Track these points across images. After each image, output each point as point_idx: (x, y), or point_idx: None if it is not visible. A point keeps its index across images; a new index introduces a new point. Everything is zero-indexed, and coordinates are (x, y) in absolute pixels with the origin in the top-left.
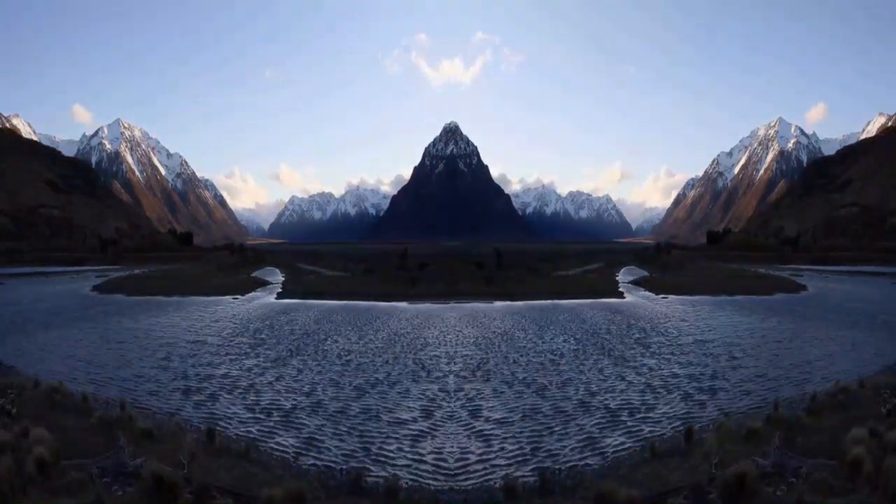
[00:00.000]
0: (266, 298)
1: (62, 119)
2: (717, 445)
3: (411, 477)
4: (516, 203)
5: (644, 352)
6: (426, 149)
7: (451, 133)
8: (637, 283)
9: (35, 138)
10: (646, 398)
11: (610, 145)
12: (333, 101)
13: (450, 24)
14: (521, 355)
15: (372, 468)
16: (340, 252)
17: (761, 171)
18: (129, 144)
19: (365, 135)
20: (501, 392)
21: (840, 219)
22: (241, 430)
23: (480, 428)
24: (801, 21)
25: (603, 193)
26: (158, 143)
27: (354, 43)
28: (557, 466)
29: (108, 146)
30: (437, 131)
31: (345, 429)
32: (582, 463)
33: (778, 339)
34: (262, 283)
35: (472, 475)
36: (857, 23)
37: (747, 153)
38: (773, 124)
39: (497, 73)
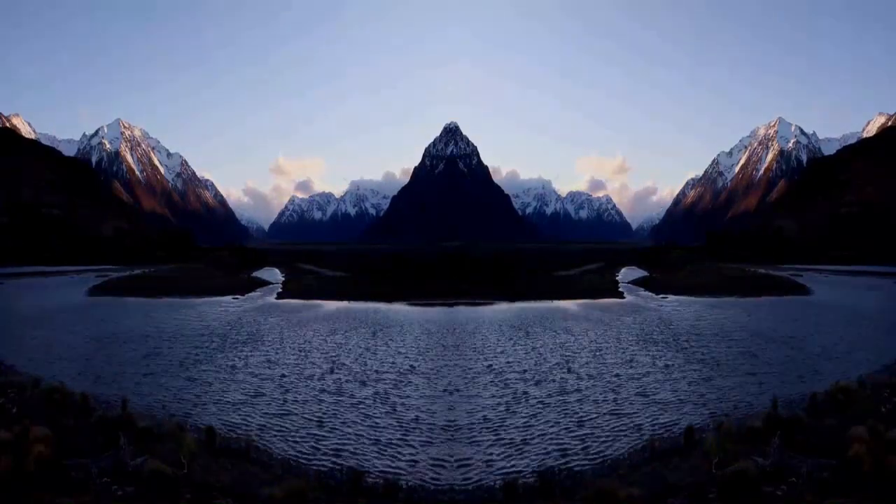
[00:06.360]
0: (267, 298)
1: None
2: (717, 445)
3: None
4: (516, 203)
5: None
6: (426, 149)
7: (451, 133)
8: (637, 283)
9: (35, 138)
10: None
11: (610, 145)
12: (332, 100)
13: (450, 24)
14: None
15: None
16: (341, 252)
17: (761, 171)
18: (129, 144)
19: (365, 134)
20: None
21: (840, 218)
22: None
23: None
24: (801, 21)
25: (604, 193)
26: (158, 142)
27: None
28: (558, 466)
29: (108, 146)
30: (438, 131)
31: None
32: None
33: (778, 338)
34: (263, 283)
35: None
36: (857, 23)
37: (747, 153)
38: (772, 124)
39: (497, 72)
